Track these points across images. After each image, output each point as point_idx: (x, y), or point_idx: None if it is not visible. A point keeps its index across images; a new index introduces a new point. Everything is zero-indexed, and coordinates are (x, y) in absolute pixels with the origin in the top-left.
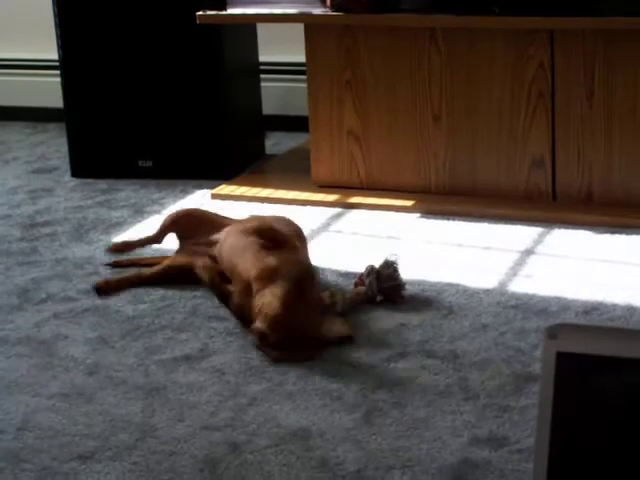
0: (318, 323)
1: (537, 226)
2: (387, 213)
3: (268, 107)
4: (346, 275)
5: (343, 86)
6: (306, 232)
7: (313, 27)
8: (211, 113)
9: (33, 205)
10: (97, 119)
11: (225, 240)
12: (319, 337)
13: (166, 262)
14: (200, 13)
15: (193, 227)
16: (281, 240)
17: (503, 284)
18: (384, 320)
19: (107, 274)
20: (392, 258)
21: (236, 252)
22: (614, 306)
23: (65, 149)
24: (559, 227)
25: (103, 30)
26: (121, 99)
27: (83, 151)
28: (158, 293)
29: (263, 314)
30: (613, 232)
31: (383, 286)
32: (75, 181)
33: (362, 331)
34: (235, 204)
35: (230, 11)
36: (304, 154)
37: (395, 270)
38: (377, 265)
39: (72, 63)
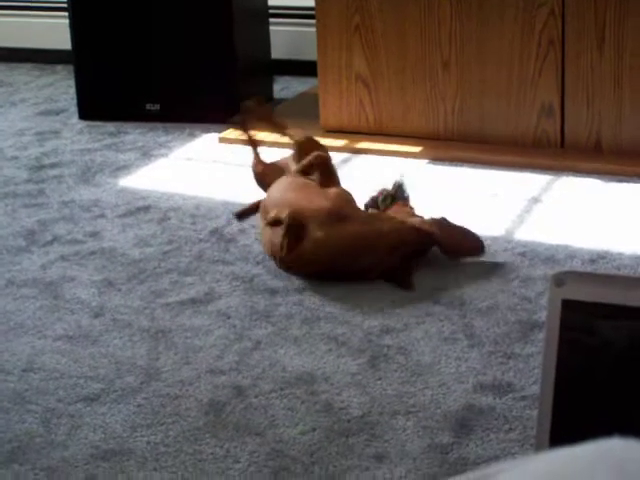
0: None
1: (545, 174)
2: (395, 159)
3: (277, 51)
4: None
5: (352, 31)
6: None
7: None
8: (219, 57)
9: (40, 147)
10: (105, 62)
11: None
12: None
13: None
14: None
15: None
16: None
17: (510, 231)
18: None
19: (114, 216)
20: (401, 179)
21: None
22: (621, 254)
23: (73, 91)
24: (567, 175)
25: None
26: (129, 42)
27: (91, 94)
28: (164, 237)
29: None
30: (621, 180)
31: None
32: (82, 123)
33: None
34: (242, 148)
35: None
36: (312, 99)
37: (405, 194)
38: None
39: (81, 5)
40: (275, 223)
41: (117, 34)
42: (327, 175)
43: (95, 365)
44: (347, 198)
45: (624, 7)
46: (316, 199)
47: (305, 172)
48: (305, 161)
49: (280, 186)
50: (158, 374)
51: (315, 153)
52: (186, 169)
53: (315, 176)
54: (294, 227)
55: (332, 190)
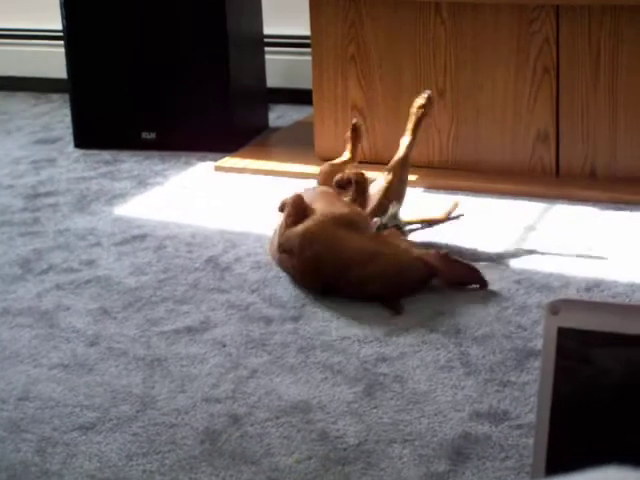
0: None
1: (540, 201)
2: None
3: (272, 80)
4: None
5: (347, 60)
6: None
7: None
8: (215, 85)
9: (36, 175)
10: (101, 90)
11: None
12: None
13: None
14: None
15: None
16: None
17: (505, 259)
18: None
19: (110, 245)
20: (394, 209)
21: None
22: (616, 282)
23: (68, 120)
24: (562, 203)
25: (107, 0)
26: (125, 71)
27: (87, 122)
28: (160, 265)
29: None
30: (616, 208)
31: None
32: (78, 152)
33: (363, 305)
34: (238, 177)
35: None
36: (308, 127)
37: (399, 224)
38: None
39: (76, 33)
40: (282, 209)
41: (113, 63)
42: (361, 195)
43: (90, 394)
44: (365, 219)
45: (618, 35)
46: (334, 206)
47: (342, 185)
48: (345, 174)
49: (316, 191)
50: (154, 402)
51: (356, 171)
52: (182, 197)
53: (350, 192)
54: (296, 210)
55: (357, 207)
